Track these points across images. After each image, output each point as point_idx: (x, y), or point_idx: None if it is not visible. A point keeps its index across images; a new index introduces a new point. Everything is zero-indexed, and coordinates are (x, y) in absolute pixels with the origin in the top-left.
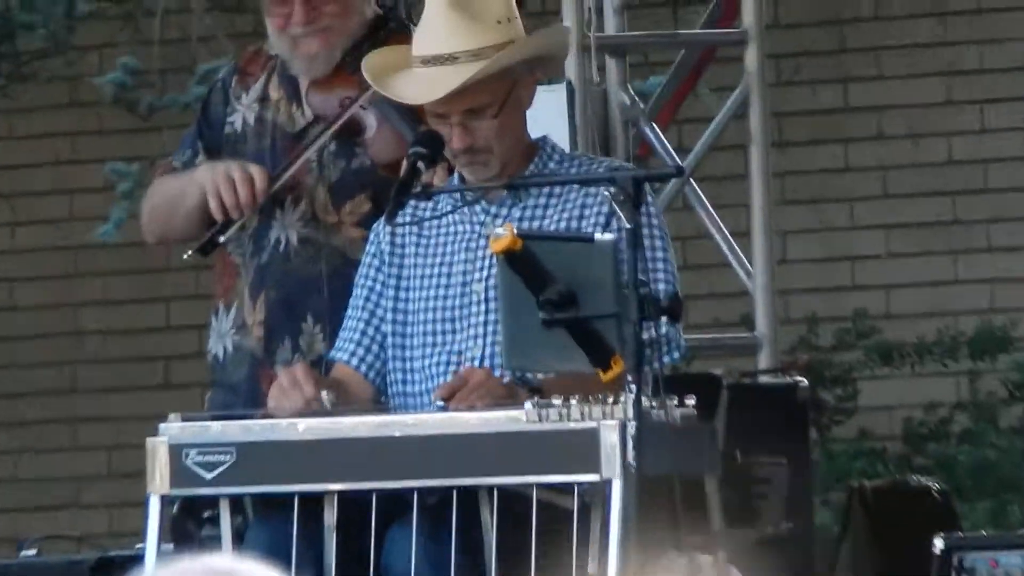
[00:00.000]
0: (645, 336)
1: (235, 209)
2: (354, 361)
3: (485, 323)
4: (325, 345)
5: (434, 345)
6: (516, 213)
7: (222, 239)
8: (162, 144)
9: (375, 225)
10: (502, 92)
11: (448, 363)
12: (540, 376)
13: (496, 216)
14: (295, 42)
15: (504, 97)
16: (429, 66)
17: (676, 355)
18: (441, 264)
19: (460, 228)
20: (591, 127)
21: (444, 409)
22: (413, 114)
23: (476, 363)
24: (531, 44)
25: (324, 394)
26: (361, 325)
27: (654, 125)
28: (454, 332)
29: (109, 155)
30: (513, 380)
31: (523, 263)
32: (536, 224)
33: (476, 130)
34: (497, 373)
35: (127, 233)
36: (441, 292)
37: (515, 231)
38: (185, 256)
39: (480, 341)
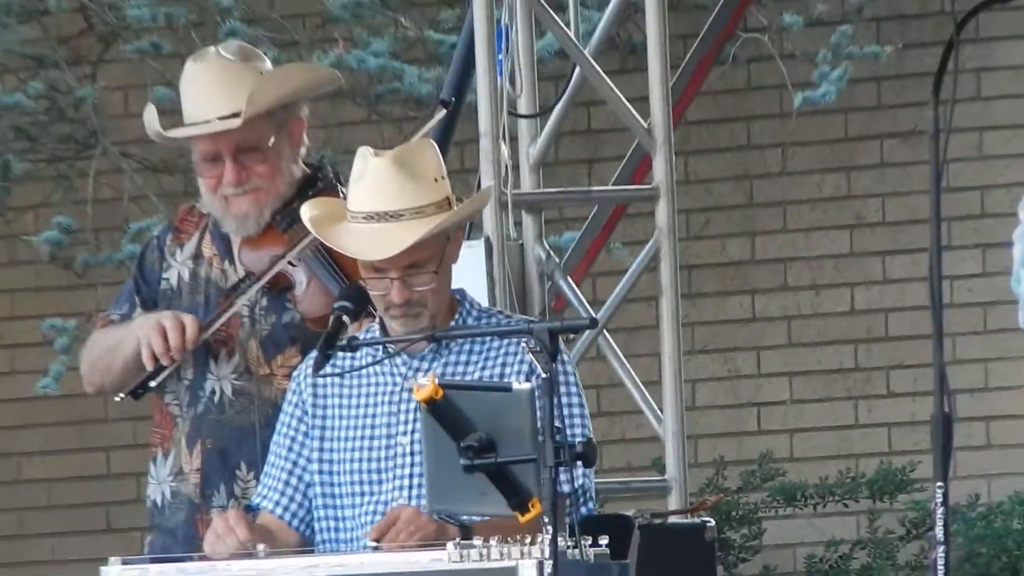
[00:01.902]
0: (566, 488)
1: (165, 355)
2: (278, 511)
3: (411, 475)
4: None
5: (362, 495)
6: (437, 367)
7: (153, 384)
8: (96, 300)
9: (295, 375)
10: (440, 249)
11: (375, 512)
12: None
13: (418, 370)
14: (227, 201)
15: (441, 253)
16: (372, 222)
17: (591, 505)
18: (365, 416)
19: (383, 380)
20: (508, 280)
21: (376, 550)
22: (338, 270)
23: None
24: (471, 206)
25: (259, 546)
26: (284, 475)
27: (569, 279)
28: (380, 483)
29: (47, 311)
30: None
31: (444, 411)
32: (458, 376)
33: (414, 285)
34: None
35: (66, 385)
36: (366, 444)
37: (436, 381)
38: (117, 399)
39: (407, 492)
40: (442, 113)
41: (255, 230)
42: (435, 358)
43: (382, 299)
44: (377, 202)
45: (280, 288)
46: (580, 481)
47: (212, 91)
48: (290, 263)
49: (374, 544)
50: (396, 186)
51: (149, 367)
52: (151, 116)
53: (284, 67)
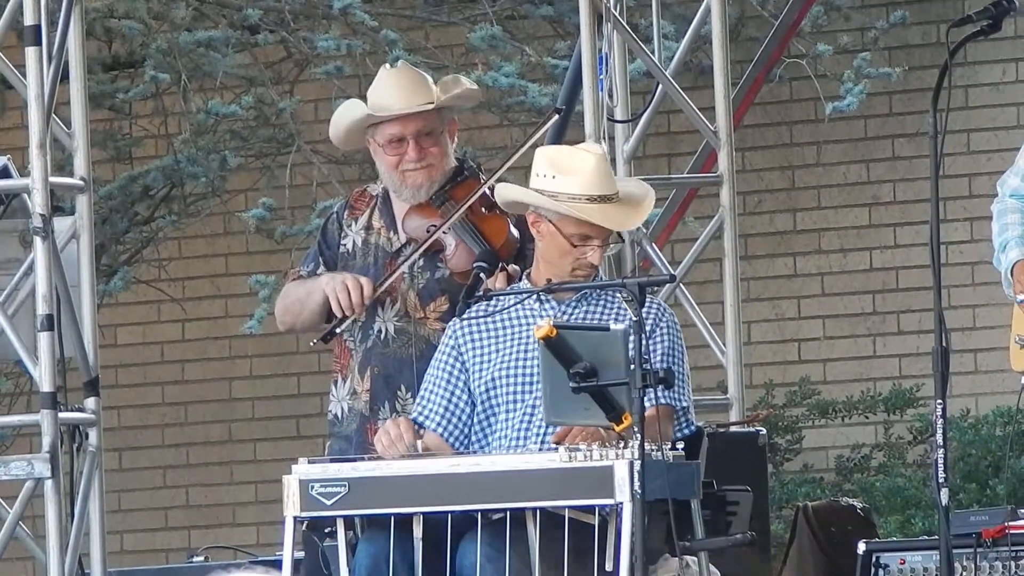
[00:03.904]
0: (675, 404)
1: (349, 308)
2: (439, 430)
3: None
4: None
5: (515, 402)
6: (579, 312)
7: (339, 331)
8: (291, 262)
9: (449, 324)
10: None
11: (524, 418)
12: None
13: (563, 312)
14: (404, 175)
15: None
16: (596, 203)
17: (692, 426)
18: (515, 345)
19: (528, 321)
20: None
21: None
22: (480, 237)
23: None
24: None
25: (418, 443)
26: (444, 402)
27: (653, 245)
28: (526, 395)
29: (253, 270)
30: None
31: (557, 346)
32: (589, 318)
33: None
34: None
35: (267, 327)
36: (517, 365)
37: (551, 323)
38: (312, 343)
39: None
40: (556, 118)
41: (424, 198)
42: (577, 305)
43: (579, 261)
44: (598, 187)
45: (434, 251)
46: (684, 403)
47: (405, 88)
48: (443, 232)
49: (554, 445)
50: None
51: (339, 315)
52: (348, 111)
53: (452, 77)
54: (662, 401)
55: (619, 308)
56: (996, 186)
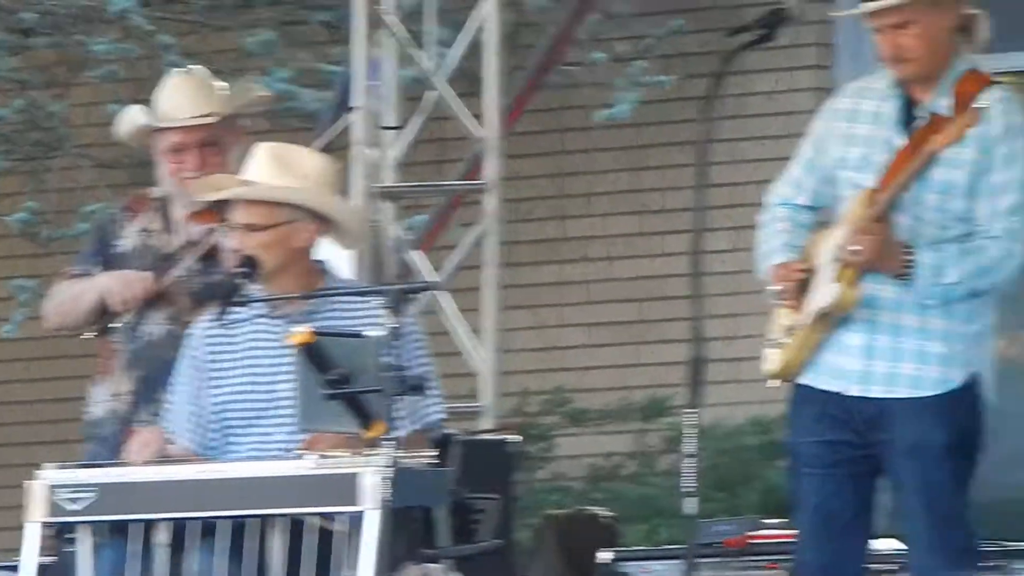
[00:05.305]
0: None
1: (126, 303)
2: (190, 444)
3: (289, 416)
4: None
5: (248, 427)
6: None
7: (111, 326)
8: (56, 266)
9: (190, 330)
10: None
11: (260, 442)
12: None
13: (294, 323)
14: (184, 183)
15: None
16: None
17: (435, 417)
18: (249, 362)
19: (264, 335)
20: (369, 254)
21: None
22: None
23: (280, 447)
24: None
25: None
26: (191, 416)
27: (418, 252)
28: (262, 419)
29: (17, 274)
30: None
31: (313, 352)
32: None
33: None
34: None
35: (26, 331)
36: (250, 386)
37: (309, 329)
38: (85, 336)
39: (285, 429)
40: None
41: (199, 206)
42: (307, 320)
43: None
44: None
45: (209, 255)
46: (438, 416)
47: (188, 97)
48: (218, 237)
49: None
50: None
51: (117, 310)
52: (132, 117)
53: (244, 84)
54: (418, 426)
55: (356, 319)
56: (765, 196)
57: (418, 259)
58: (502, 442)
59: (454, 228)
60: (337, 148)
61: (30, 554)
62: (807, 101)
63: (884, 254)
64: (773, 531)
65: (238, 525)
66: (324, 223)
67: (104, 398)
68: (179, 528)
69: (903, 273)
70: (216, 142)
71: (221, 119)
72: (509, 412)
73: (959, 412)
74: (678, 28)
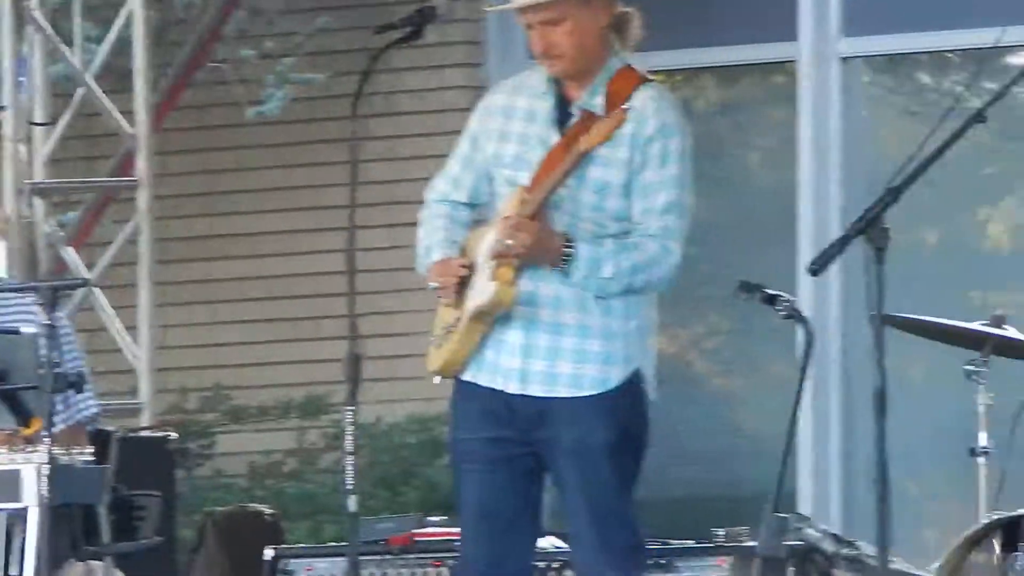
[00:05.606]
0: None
1: None
2: None
3: None
4: None
5: None
6: None
7: None
8: None
9: None
10: None
11: None
12: None
13: None
14: None
15: None
16: None
17: (91, 412)
18: None
19: None
20: (22, 250)
21: None
22: None
23: None
24: None
25: None
26: None
27: (71, 248)
28: None
29: None
30: None
31: None
32: None
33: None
34: None
35: None
36: None
37: None
38: None
39: None
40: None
41: None
42: None
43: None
44: None
45: None
46: (93, 411)
47: None
48: None
49: None
50: None
51: None
52: None
53: None
54: (72, 422)
55: (12, 315)
56: (424, 192)
57: (71, 255)
58: (161, 439)
59: (106, 225)
60: None
61: None
62: (458, 99)
63: (539, 247)
64: (438, 529)
65: None
66: None
67: None
68: None
69: (560, 264)
70: None
71: None
72: (168, 409)
73: (620, 411)
74: (325, 26)
